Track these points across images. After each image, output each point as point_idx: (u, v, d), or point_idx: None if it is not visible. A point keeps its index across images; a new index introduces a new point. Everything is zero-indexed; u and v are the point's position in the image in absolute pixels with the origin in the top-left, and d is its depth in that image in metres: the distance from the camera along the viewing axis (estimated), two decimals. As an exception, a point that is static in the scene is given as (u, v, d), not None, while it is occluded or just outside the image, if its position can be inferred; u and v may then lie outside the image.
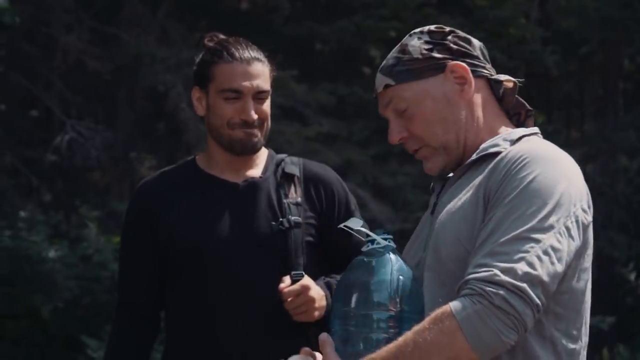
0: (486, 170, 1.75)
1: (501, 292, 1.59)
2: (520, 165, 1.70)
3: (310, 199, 2.38)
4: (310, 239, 2.36)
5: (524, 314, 1.59)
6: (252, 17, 10.29)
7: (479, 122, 1.82)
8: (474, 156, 1.80)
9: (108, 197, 9.21)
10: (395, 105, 1.83)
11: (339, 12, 9.83)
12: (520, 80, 1.90)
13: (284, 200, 2.35)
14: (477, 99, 1.83)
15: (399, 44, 1.86)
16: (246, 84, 2.31)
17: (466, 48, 1.83)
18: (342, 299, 1.74)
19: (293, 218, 2.33)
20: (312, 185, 2.40)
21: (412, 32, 1.87)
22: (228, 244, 2.31)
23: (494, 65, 1.90)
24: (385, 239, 1.76)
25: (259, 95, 2.34)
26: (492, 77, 1.85)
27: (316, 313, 2.31)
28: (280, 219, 2.33)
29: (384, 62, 1.87)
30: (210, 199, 2.35)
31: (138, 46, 8.15)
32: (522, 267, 1.60)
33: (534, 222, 1.64)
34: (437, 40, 1.82)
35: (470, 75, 1.81)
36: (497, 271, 1.61)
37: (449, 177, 1.87)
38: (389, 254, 1.74)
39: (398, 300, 1.69)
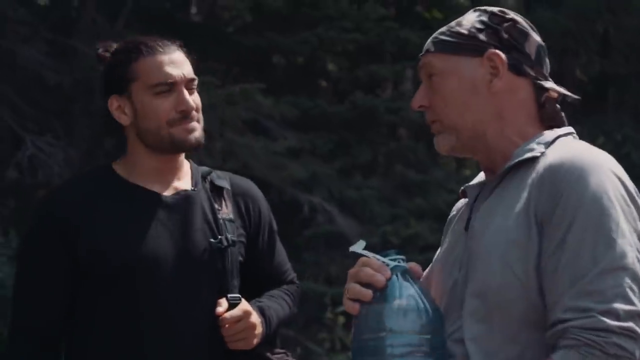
0: (529, 183, 1.65)
1: (613, 339, 1.52)
2: (572, 179, 1.61)
3: (240, 215, 2.24)
4: (241, 258, 2.21)
5: (635, 353, 1.54)
6: (209, 28, 10.11)
7: (505, 120, 1.73)
8: (508, 163, 1.70)
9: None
10: (427, 72, 1.76)
11: (299, 23, 9.72)
12: (574, 97, 1.79)
13: (219, 216, 2.19)
14: (512, 96, 1.73)
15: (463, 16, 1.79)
16: (177, 72, 2.14)
17: (518, 42, 1.74)
18: (356, 330, 1.65)
19: (230, 236, 2.18)
20: (242, 201, 2.25)
21: (479, 7, 1.79)
22: (162, 262, 2.13)
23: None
24: (395, 259, 1.66)
25: (190, 85, 2.18)
26: (538, 81, 1.74)
27: (255, 341, 2.15)
28: (219, 237, 2.17)
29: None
30: (138, 212, 2.15)
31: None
32: (621, 306, 1.54)
33: (615, 249, 1.56)
34: (492, 24, 1.74)
35: (505, 69, 1.72)
36: (598, 316, 1.53)
37: (483, 185, 1.77)
38: (397, 275, 1.65)
39: (420, 324, 1.60)
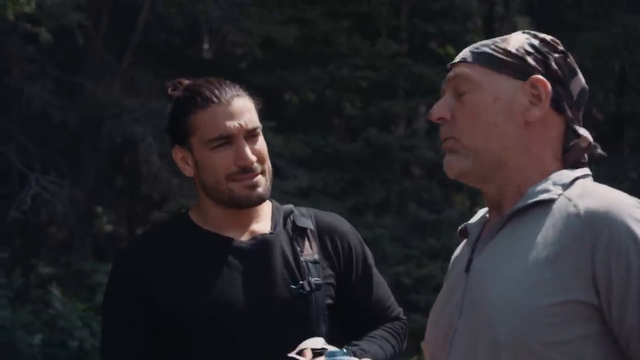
0: (554, 229, 1.51)
1: None
2: (625, 232, 1.48)
3: (327, 255, 2.08)
4: (330, 301, 2.06)
5: None
6: (220, 65, 10.02)
7: (531, 155, 1.59)
8: (521, 203, 1.55)
9: (69, 256, 8.75)
10: (458, 84, 1.60)
11: (311, 60, 9.61)
12: (602, 153, 1.63)
13: (301, 259, 2.05)
14: (544, 131, 1.59)
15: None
16: (233, 124, 2.01)
17: (564, 77, 1.59)
18: None
19: (313, 279, 2.03)
20: (329, 239, 2.09)
21: (529, 31, 1.64)
22: (242, 312, 2.01)
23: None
24: (332, 356, 1.59)
25: (251, 134, 2.02)
26: (572, 124, 1.60)
27: None
28: (301, 282, 2.02)
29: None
30: (214, 261, 2.04)
31: (105, 97, 7.79)
32: None
33: None
34: (542, 50, 1.59)
35: (548, 100, 1.57)
36: None
37: (485, 223, 1.61)
38: None
39: None
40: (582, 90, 1.60)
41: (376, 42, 9.72)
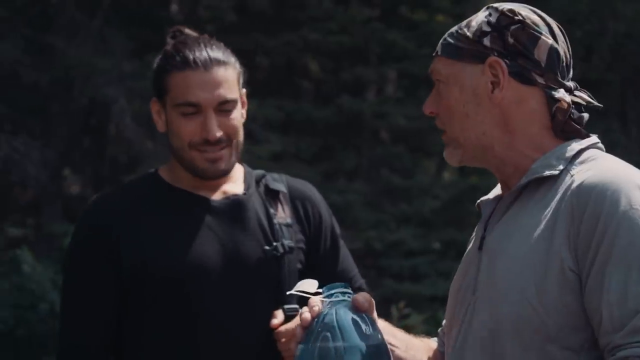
0: (552, 206, 1.52)
1: None
2: (609, 208, 1.48)
3: (299, 220, 2.09)
4: (300, 266, 2.06)
5: None
6: (190, 27, 9.90)
7: (515, 133, 1.59)
8: (524, 179, 1.57)
9: (40, 218, 8.65)
10: (434, 77, 1.64)
11: (284, 25, 9.54)
12: (596, 104, 1.62)
13: (275, 221, 2.02)
14: (520, 107, 1.59)
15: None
16: (204, 95, 1.96)
17: (524, 47, 1.58)
18: None
19: (286, 242, 2.03)
20: (301, 205, 2.10)
21: (493, 4, 1.63)
22: (212, 272, 1.98)
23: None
24: (332, 295, 1.54)
25: (222, 107, 1.99)
26: (549, 90, 1.59)
27: None
28: (274, 243, 2.01)
29: None
30: (186, 219, 2.01)
31: (77, 57, 7.66)
32: None
33: None
34: (499, 26, 1.58)
35: (505, 78, 1.58)
36: None
37: (498, 200, 1.63)
38: (328, 312, 1.53)
39: None
40: (551, 51, 1.57)
41: (349, 6, 9.67)
